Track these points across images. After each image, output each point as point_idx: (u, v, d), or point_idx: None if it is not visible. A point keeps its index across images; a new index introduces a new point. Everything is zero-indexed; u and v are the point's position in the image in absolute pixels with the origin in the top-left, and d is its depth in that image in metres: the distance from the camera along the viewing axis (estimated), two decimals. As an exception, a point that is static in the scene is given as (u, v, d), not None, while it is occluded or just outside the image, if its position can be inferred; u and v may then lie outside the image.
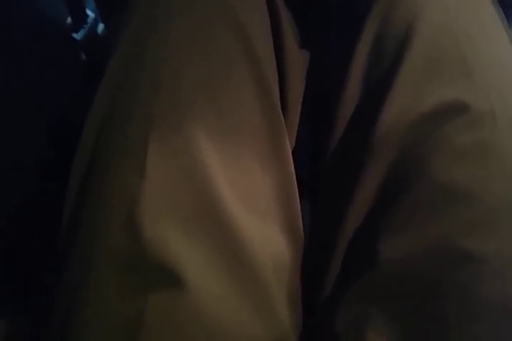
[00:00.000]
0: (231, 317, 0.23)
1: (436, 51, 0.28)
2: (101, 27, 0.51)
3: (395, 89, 0.28)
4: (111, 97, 0.28)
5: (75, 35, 0.47)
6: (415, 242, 0.26)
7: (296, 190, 0.30)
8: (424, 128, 0.27)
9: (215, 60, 0.28)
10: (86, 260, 0.24)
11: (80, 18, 0.49)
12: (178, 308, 0.22)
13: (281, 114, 0.30)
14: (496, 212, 0.25)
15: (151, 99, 0.26)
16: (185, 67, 0.28)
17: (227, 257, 0.24)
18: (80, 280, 0.24)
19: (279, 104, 0.30)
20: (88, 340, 0.22)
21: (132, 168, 0.25)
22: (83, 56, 0.47)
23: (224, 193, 0.25)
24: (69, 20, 0.48)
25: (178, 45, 0.29)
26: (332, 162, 0.31)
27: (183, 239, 0.24)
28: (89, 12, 0.51)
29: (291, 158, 0.30)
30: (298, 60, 0.34)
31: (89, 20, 0.50)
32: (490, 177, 0.25)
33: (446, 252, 0.25)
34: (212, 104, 0.27)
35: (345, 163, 0.30)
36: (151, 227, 0.23)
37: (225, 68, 0.28)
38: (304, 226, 0.30)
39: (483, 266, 0.24)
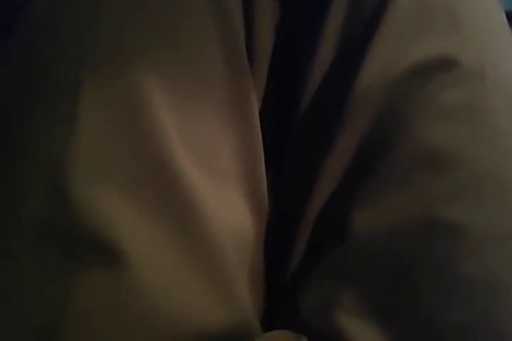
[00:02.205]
0: (181, 299, 0.20)
1: (423, 5, 0.26)
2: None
3: (375, 42, 0.25)
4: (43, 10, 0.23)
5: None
6: (390, 212, 0.23)
7: (262, 152, 0.26)
8: (407, 86, 0.25)
9: (175, 2, 0.24)
10: (2, 229, 0.19)
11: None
12: (113, 289, 0.19)
13: (248, 65, 0.26)
14: (482, 179, 0.23)
15: (89, 31, 0.22)
16: (139, 4, 0.23)
17: (178, 226, 0.21)
18: None
19: (246, 53, 0.27)
20: (5, 323, 0.18)
21: (60, 116, 0.20)
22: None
23: (175, 150, 0.21)
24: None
25: None
26: (303, 124, 0.28)
27: (122, 204, 0.20)
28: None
29: (257, 120, 0.26)
30: (267, 10, 0.31)
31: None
32: (475, 141, 0.23)
33: (424, 222, 0.23)
34: (166, 44, 0.23)
35: (318, 125, 0.27)
36: (82, 190, 0.19)
37: (184, 4, 0.24)
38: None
39: (464, 239, 0.22)
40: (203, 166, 0.23)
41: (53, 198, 0.19)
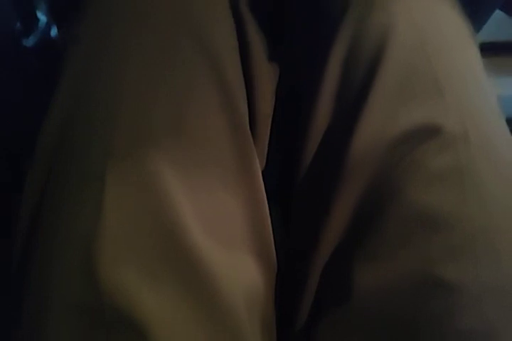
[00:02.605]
0: None
1: (407, 73, 0.28)
2: (54, 31, 0.48)
3: (366, 112, 0.27)
4: (64, 118, 0.25)
5: (25, 42, 0.44)
6: (389, 271, 0.25)
7: (268, 214, 0.28)
8: (397, 152, 0.26)
9: (180, 82, 0.26)
10: (41, 310, 0.22)
11: (31, 22, 0.46)
12: None
13: (251, 136, 0.28)
14: (473, 239, 0.24)
15: (111, 125, 0.24)
16: (148, 90, 0.26)
17: (197, 299, 0.23)
18: (36, 332, 0.21)
19: (248, 123, 0.29)
20: None
21: (88, 204, 0.23)
22: (36, 64, 0.44)
23: (191, 228, 0.24)
24: (18, 25, 0.44)
25: (138, 61, 0.27)
26: (303, 185, 0.29)
27: (145, 283, 0.22)
28: (40, 15, 0.48)
29: (261, 182, 0.28)
30: (267, 74, 0.33)
31: (40, 25, 0.47)
32: (466, 203, 0.25)
33: (421, 281, 0.24)
34: (177, 133, 0.25)
35: (317, 188, 0.29)
36: (108, 272, 0.21)
37: (190, 90, 0.26)
38: (276, 253, 0.29)
39: (461, 295, 0.23)
40: (215, 234, 0.25)
41: (83, 279, 0.22)
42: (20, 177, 0.25)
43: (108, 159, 0.23)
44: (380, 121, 0.27)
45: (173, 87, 0.26)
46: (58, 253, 0.22)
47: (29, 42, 0.44)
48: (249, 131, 0.29)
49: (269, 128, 0.33)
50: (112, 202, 0.23)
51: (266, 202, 0.28)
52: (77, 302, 0.21)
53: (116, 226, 0.22)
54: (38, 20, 0.46)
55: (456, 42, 0.30)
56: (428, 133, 0.26)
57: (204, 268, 0.23)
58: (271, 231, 0.28)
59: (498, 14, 0.39)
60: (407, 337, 0.23)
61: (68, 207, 0.23)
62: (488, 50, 0.33)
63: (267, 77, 0.33)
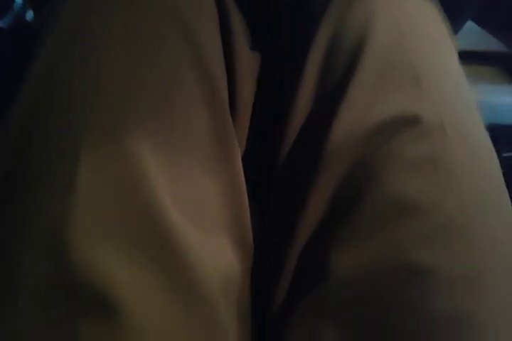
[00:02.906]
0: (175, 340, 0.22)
1: (386, 66, 0.28)
2: (30, 15, 0.47)
3: (345, 102, 0.28)
4: (40, 93, 0.25)
5: (-1, 23, 0.42)
6: (365, 255, 0.25)
7: (246, 200, 0.28)
8: (375, 141, 0.27)
9: (161, 63, 0.26)
10: (5, 286, 0.21)
11: (5, 4, 0.44)
12: (112, 337, 0.20)
13: (231, 122, 0.29)
14: (446, 227, 0.25)
15: (88, 101, 0.24)
16: (129, 69, 0.25)
17: (171, 278, 0.22)
18: (7, 314, 0.21)
19: (229, 110, 0.29)
20: None
21: (60, 180, 0.22)
22: (9, 47, 0.43)
23: (168, 209, 0.23)
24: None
25: (120, 41, 0.26)
26: (282, 172, 0.30)
27: (119, 261, 0.21)
28: (15, -3, 0.46)
29: (240, 168, 0.29)
30: (248, 62, 0.33)
31: (15, 7, 0.45)
32: (439, 191, 0.25)
33: (395, 266, 0.24)
34: (158, 116, 0.25)
35: (296, 173, 0.29)
36: (82, 249, 0.21)
37: (173, 76, 0.26)
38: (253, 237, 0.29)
39: (433, 280, 0.24)
40: (192, 217, 0.25)
41: (56, 256, 0.21)
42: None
43: (85, 133, 0.23)
44: (358, 111, 0.27)
45: (156, 74, 0.26)
46: (29, 231, 0.22)
47: (3, 23, 0.43)
48: (231, 119, 0.29)
49: (250, 116, 0.33)
50: (85, 182, 0.22)
51: (245, 188, 0.28)
52: (50, 281, 0.21)
53: (90, 201, 0.22)
54: (13, 1, 0.45)
55: (436, 37, 0.31)
56: (404, 124, 0.27)
57: (180, 248, 0.23)
58: (249, 218, 0.28)
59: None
60: (382, 317, 0.24)
61: (41, 182, 0.22)
62: (468, 58, 0.34)
63: (248, 65, 0.33)
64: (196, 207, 0.25)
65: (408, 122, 0.27)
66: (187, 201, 0.25)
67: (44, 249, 0.21)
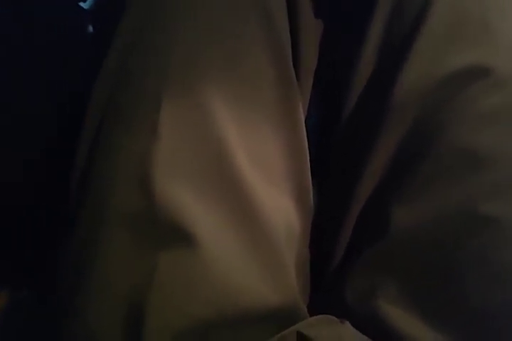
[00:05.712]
0: (241, 276, 0.23)
1: (458, 15, 0.28)
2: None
3: (413, 53, 0.27)
4: (123, 53, 0.27)
5: (82, 4, 0.46)
6: (431, 208, 0.25)
7: (308, 159, 0.29)
8: (445, 92, 0.26)
9: (231, 23, 0.27)
10: (96, 220, 0.24)
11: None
12: (189, 265, 0.22)
13: (296, 82, 0.29)
14: None
15: (167, 57, 0.26)
16: (204, 27, 0.27)
17: (240, 219, 0.24)
18: (91, 239, 0.24)
19: (294, 72, 0.30)
20: (99, 295, 0.22)
21: (144, 125, 0.24)
22: (90, 27, 0.46)
23: (238, 158, 0.25)
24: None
25: (194, 6, 0.28)
26: (345, 129, 0.30)
27: (195, 198, 0.24)
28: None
29: (303, 126, 0.29)
30: (312, 29, 0.33)
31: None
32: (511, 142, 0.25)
33: (464, 217, 0.25)
34: (229, 68, 0.26)
35: (359, 130, 0.29)
36: (163, 187, 0.23)
37: (243, 39, 0.28)
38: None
39: (503, 231, 0.24)
40: (257, 165, 0.26)
41: (139, 192, 0.23)
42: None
43: (165, 85, 0.25)
44: (429, 62, 0.27)
45: (226, 35, 0.27)
46: (116, 168, 0.24)
47: (86, 4, 0.46)
48: (295, 79, 0.30)
49: (311, 83, 0.34)
50: (167, 122, 0.24)
51: (307, 153, 0.29)
52: (131, 213, 0.23)
53: (170, 142, 0.24)
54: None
55: None
56: (478, 75, 0.26)
57: (247, 192, 0.25)
58: (310, 181, 0.29)
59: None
60: (450, 267, 0.24)
61: (126, 126, 0.25)
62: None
63: (312, 32, 0.34)
64: (262, 159, 0.27)
65: (480, 74, 0.26)
66: (255, 154, 0.26)
67: (129, 185, 0.24)
